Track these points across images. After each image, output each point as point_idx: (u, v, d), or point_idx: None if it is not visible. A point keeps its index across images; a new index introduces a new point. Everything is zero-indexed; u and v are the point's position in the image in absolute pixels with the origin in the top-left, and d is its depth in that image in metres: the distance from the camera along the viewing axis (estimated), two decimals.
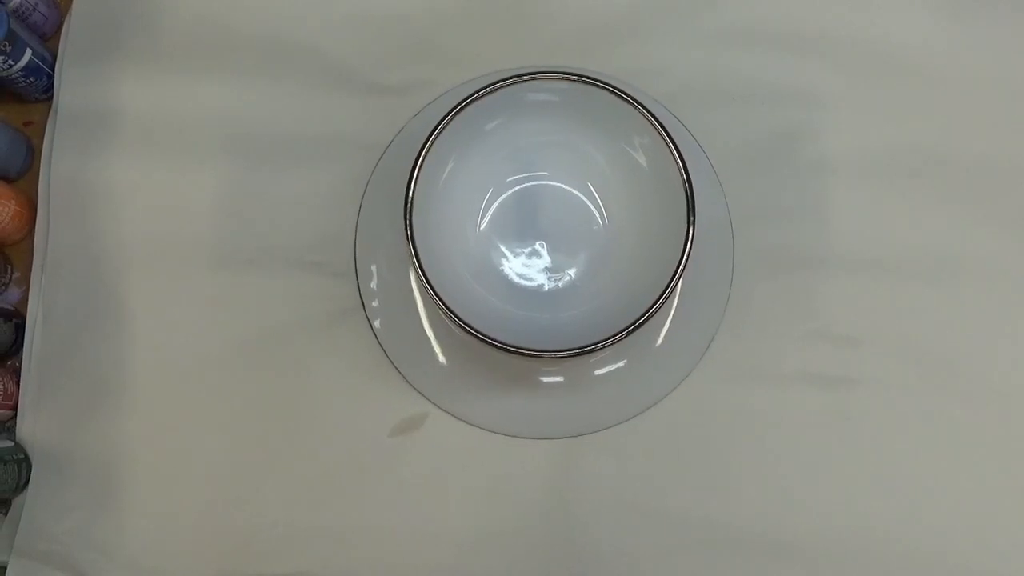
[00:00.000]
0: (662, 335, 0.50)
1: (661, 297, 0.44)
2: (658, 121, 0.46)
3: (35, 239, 0.52)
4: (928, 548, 0.48)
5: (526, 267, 0.50)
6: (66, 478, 0.49)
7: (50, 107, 0.53)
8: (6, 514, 0.49)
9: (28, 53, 0.51)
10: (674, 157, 0.45)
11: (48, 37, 0.55)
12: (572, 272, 0.50)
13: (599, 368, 0.49)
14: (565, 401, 0.49)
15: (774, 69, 0.53)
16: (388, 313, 0.50)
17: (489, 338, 0.44)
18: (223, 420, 0.49)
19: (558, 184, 0.51)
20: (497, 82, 0.46)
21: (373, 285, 0.50)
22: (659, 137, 0.46)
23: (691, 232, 0.45)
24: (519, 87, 0.46)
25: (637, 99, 0.46)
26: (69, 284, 0.51)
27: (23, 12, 0.52)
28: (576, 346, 0.44)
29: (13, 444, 0.49)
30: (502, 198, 0.50)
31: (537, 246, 0.50)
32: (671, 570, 0.48)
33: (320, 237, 0.51)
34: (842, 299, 0.50)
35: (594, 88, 0.46)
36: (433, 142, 0.46)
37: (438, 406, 0.49)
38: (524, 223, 0.50)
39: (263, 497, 0.49)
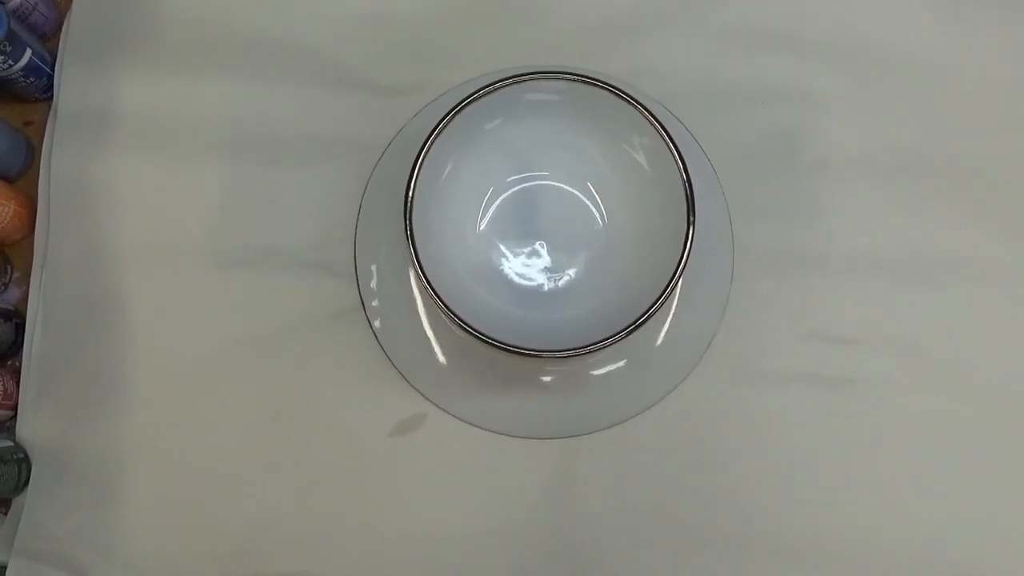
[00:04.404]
0: (662, 335, 0.50)
1: (661, 297, 0.44)
2: (658, 121, 0.46)
3: (35, 239, 0.52)
4: (928, 548, 0.48)
5: (526, 267, 0.50)
6: (66, 478, 0.49)
7: (50, 107, 0.53)
8: (6, 514, 0.49)
9: (28, 53, 0.51)
10: (674, 157, 0.45)
11: (48, 37, 0.55)
12: (572, 272, 0.50)
13: (599, 368, 0.49)
14: (565, 401, 0.49)
15: (774, 69, 0.53)
16: (388, 313, 0.50)
17: (488, 338, 0.44)
18: (223, 420, 0.49)
19: (558, 184, 0.51)
20: (497, 82, 0.46)
21: (373, 285, 0.50)
22: (659, 137, 0.46)
23: (691, 232, 0.45)
24: (519, 87, 0.46)
25: (637, 99, 0.46)
26: (69, 284, 0.51)
27: (23, 12, 0.52)
28: (575, 346, 0.44)
29: (13, 444, 0.49)
30: (502, 198, 0.50)
31: (537, 246, 0.50)
32: (670, 570, 0.48)
33: (320, 237, 0.51)
34: (841, 299, 0.50)
35: (594, 88, 0.46)
36: (433, 142, 0.46)
37: (438, 406, 0.49)
38: (524, 223, 0.50)
39: (263, 497, 0.49)
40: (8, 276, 0.52)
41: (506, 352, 0.44)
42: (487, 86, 0.46)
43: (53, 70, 0.53)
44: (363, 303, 0.50)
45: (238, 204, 0.52)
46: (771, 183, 0.52)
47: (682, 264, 0.44)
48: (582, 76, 0.46)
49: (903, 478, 0.48)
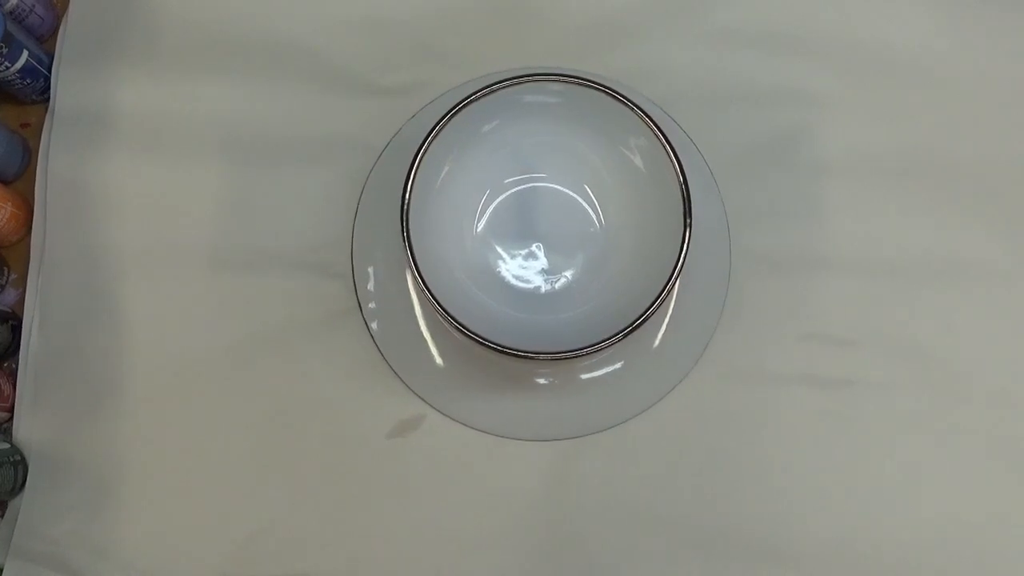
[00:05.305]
0: (659, 337, 0.50)
1: (658, 299, 0.44)
2: (654, 122, 0.46)
3: (32, 241, 0.52)
4: (927, 549, 0.47)
5: (523, 269, 0.50)
6: (63, 480, 0.49)
7: (47, 109, 0.53)
8: (2, 516, 0.49)
9: (25, 55, 0.51)
10: (670, 159, 0.45)
11: (45, 39, 0.55)
12: (569, 274, 0.50)
13: (596, 370, 0.49)
14: (562, 403, 0.49)
15: (771, 70, 0.53)
16: (385, 315, 0.50)
17: (485, 340, 0.44)
18: (220, 422, 0.49)
19: (555, 186, 0.51)
20: (494, 84, 0.46)
21: (370, 287, 0.50)
22: (655, 139, 0.46)
23: (687, 233, 0.45)
24: (516, 89, 0.46)
25: (633, 100, 0.46)
26: (66, 286, 0.51)
27: (20, 14, 0.52)
28: (572, 348, 0.44)
29: (9, 446, 0.49)
30: (499, 200, 0.50)
31: (534, 248, 0.50)
32: (668, 572, 0.48)
33: (317, 239, 0.51)
34: (839, 300, 0.50)
35: (590, 90, 0.46)
36: (430, 144, 0.46)
37: (435, 408, 0.49)
38: (521, 225, 0.50)
39: (261, 499, 0.49)
40: (5, 278, 0.52)
41: (503, 354, 0.44)
42: (484, 88, 0.46)
43: (50, 72, 0.53)
44: (360, 305, 0.50)
45: (235, 206, 0.52)
46: (768, 184, 0.52)
47: (679, 266, 0.44)
48: (579, 78, 0.46)
49: (901, 480, 0.48)
